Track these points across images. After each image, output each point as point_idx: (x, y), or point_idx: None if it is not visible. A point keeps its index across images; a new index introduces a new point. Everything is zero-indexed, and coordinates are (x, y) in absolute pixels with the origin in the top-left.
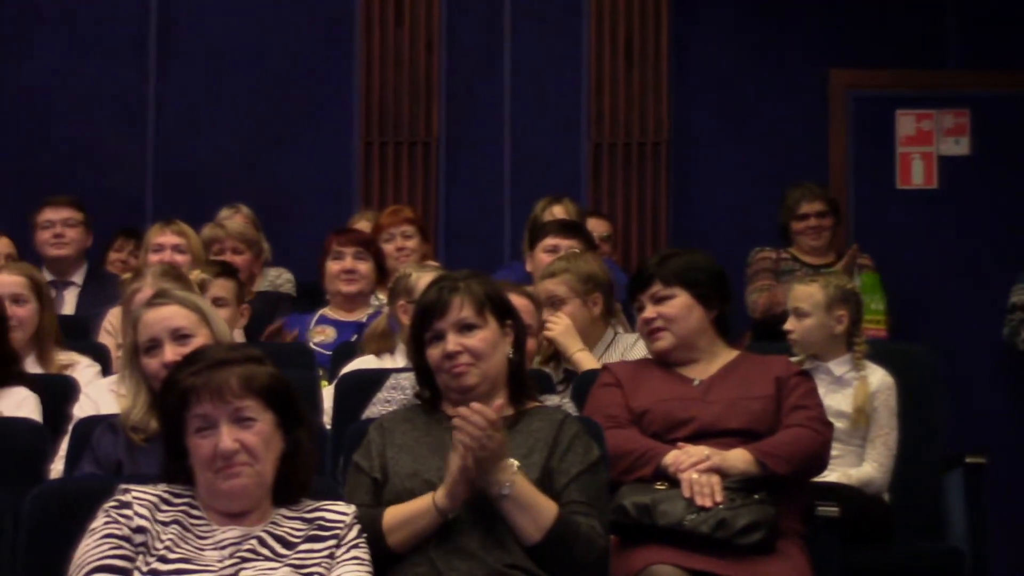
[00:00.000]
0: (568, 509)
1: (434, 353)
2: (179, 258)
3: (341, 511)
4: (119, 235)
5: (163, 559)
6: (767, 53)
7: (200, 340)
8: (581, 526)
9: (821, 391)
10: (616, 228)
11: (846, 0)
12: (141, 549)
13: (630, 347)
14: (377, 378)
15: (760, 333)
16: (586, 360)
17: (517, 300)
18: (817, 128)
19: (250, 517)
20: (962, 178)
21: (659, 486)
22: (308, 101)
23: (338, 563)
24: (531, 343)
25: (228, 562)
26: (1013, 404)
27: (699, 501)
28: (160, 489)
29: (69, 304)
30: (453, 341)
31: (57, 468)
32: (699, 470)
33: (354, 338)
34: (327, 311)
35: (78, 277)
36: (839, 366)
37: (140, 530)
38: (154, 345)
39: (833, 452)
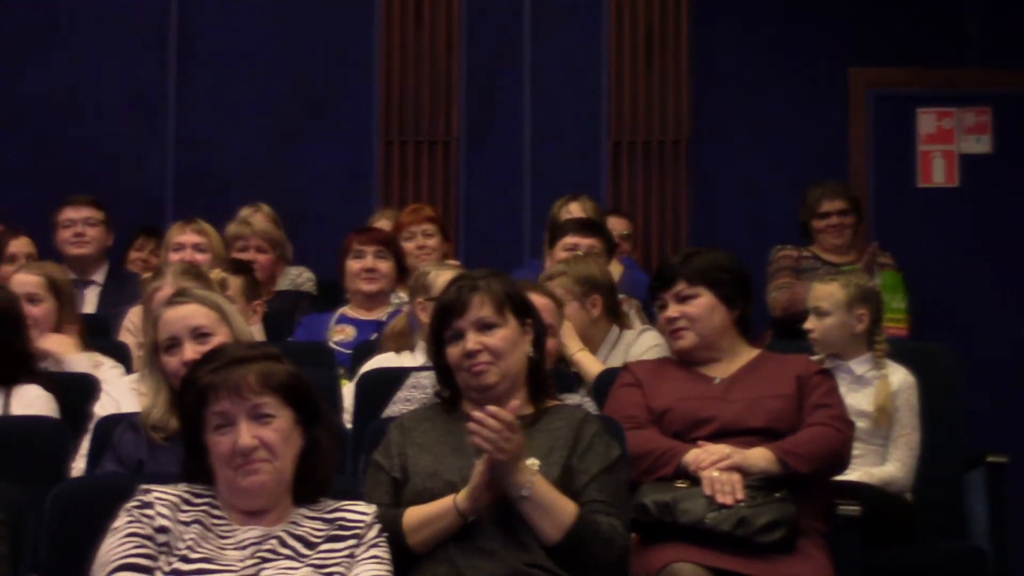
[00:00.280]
0: (589, 508)
1: (454, 352)
2: (199, 257)
3: (361, 511)
4: (140, 234)
5: (185, 559)
6: (787, 51)
7: (220, 339)
8: (601, 525)
9: (842, 390)
10: (636, 226)
11: None
12: (163, 549)
13: (634, 343)
14: (397, 376)
15: (781, 331)
16: (586, 361)
17: (537, 299)
18: (837, 127)
19: (270, 516)
20: (984, 176)
21: (680, 484)
22: (328, 100)
23: (357, 562)
24: (551, 342)
25: (249, 562)
26: None
27: (720, 499)
28: (181, 489)
29: (90, 303)
30: (473, 340)
31: (78, 466)
32: (720, 468)
33: (374, 337)
34: (347, 310)
35: (99, 276)
36: (860, 365)
37: (162, 530)
38: (174, 344)
39: (855, 451)
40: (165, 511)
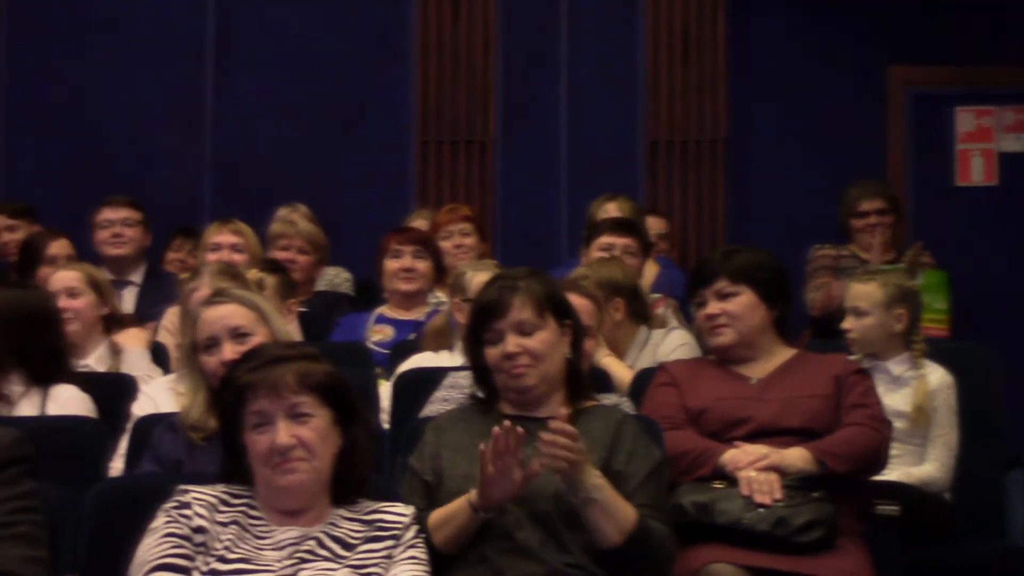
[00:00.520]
0: (640, 513)
1: (492, 353)
2: (237, 257)
3: (400, 512)
4: (177, 234)
5: (222, 559)
6: (825, 50)
7: (258, 339)
8: (656, 531)
9: (879, 391)
10: (673, 226)
11: None
12: (201, 549)
13: (662, 343)
14: (435, 376)
15: (819, 331)
16: (613, 366)
17: (576, 299)
18: (875, 125)
19: (308, 516)
20: (1022, 175)
21: (717, 485)
22: (365, 100)
23: (395, 563)
24: (589, 343)
25: (287, 562)
26: None
27: (758, 499)
28: (218, 490)
29: (128, 303)
30: (513, 342)
31: (116, 466)
32: (757, 468)
33: (412, 336)
34: (385, 310)
35: (137, 276)
36: (897, 365)
37: (199, 530)
38: (213, 343)
39: (892, 451)
40: (202, 511)
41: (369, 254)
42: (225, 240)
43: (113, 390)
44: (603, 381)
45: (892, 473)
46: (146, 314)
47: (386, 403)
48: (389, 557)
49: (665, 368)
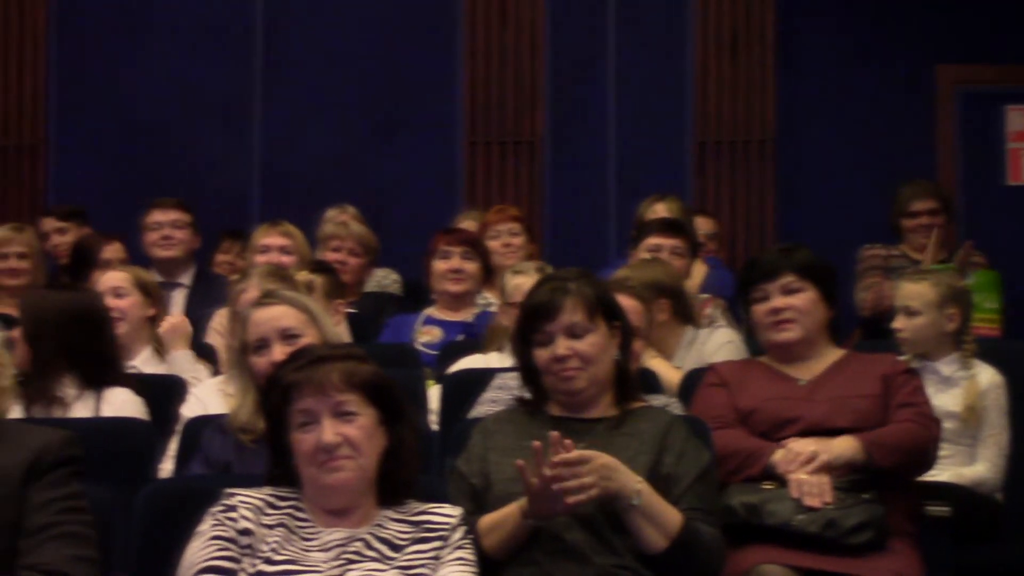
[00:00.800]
0: (688, 516)
1: (542, 355)
2: (285, 259)
3: (448, 513)
4: (225, 237)
5: (269, 561)
6: (873, 49)
7: (308, 340)
8: (704, 535)
9: (929, 391)
10: (722, 226)
11: None
12: (247, 551)
13: (707, 341)
14: (483, 377)
15: (869, 331)
16: (660, 367)
17: (625, 300)
18: (925, 125)
19: (354, 517)
20: None
21: (767, 486)
22: (413, 101)
23: (443, 564)
24: (637, 344)
25: (334, 563)
26: None
27: (808, 501)
28: (265, 493)
29: (177, 305)
30: (563, 345)
31: (166, 468)
32: (808, 471)
33: (460, 337)
34: (433, 311)
35: (186, 279)
36: (947, 365)
37: (245, 532)
38: (263, 345)
39: (942, 452)
40: (248, 514)
41: (417, 255)
42: (274, 242)
43: (162, 392)
44: (651, 382)
45: (943, 474)
46: (195, 316)
47: (435, 404)
48: (437, 558)
49: (714, 369)
